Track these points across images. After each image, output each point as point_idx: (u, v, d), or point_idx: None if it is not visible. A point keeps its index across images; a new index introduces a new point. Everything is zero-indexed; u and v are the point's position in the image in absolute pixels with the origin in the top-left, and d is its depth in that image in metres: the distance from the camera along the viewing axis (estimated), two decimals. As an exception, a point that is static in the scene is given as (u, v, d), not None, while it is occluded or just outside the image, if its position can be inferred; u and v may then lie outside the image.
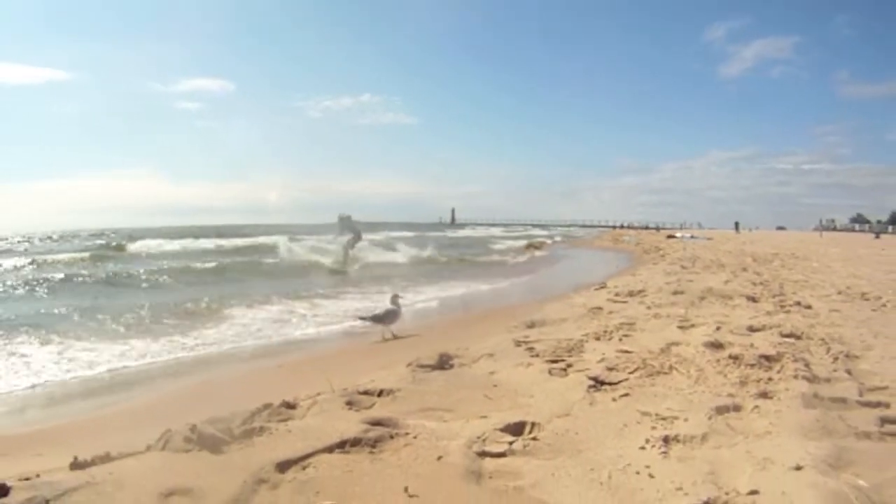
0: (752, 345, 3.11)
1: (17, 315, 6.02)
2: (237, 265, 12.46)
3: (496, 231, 44.86)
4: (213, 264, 12.17)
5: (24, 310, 6.58)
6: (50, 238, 27.76)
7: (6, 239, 25.94)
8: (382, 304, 5.22)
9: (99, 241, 23.03)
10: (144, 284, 9.45)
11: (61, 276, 9.99)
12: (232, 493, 1.43)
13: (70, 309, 6.23)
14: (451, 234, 36.18)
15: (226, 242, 20.12)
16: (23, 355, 4.37)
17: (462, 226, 60.93)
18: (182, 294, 7.81)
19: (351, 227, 13.76)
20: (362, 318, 5.07)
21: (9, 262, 12.99)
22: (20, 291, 8.53)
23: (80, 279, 9.80)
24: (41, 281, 9.30)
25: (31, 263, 12.85)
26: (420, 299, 7.44)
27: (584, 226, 66.41)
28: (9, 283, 9.14)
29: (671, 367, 2.72)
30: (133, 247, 18.84)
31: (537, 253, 19.30)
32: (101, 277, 10.04)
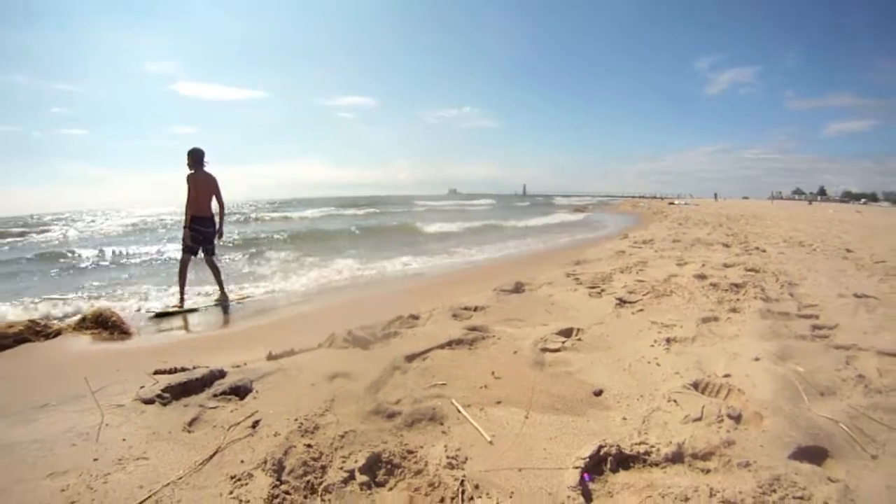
0: (726, 276, 3.84)
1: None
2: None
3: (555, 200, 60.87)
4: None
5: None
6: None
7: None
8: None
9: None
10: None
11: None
12: (376, 376, 1.88)
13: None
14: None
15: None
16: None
17: (531, 197, 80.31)
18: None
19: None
20: None
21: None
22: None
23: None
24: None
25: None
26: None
27: (613, 196, 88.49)
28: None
29: (671, 292, 3.36)
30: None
31: (582, 213, 24.91)
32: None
